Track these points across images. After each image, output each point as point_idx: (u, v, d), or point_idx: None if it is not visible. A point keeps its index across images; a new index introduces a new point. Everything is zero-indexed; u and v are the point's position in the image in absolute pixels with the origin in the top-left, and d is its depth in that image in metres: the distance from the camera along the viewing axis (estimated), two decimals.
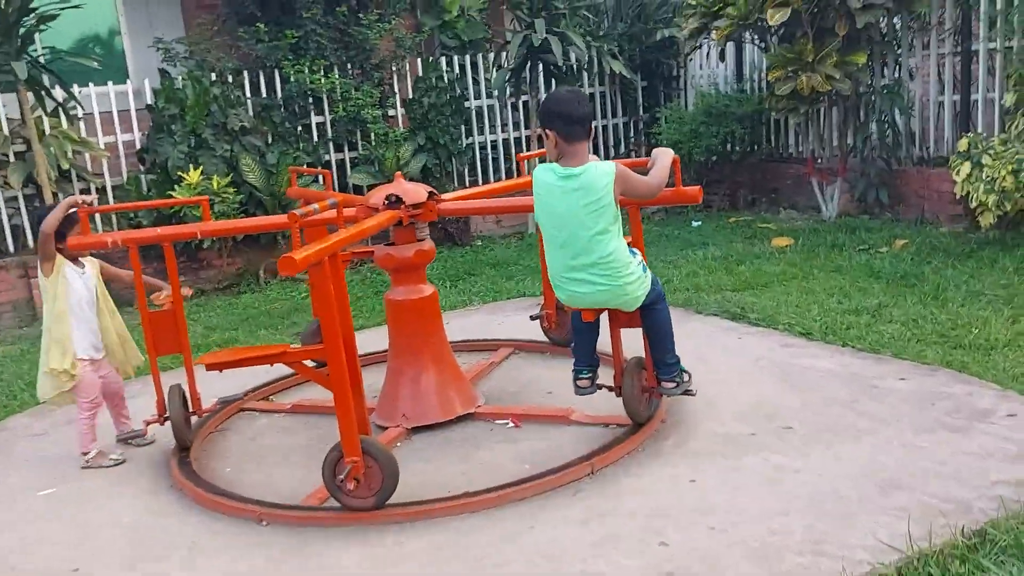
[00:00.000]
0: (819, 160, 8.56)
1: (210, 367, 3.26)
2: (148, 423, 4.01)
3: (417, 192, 3.99)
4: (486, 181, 9.82)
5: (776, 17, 7.18)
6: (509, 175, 10.00)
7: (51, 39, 8.14)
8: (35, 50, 7.54)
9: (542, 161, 4.85)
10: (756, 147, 9.51)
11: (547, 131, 3.41)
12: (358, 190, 8.87)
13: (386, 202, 3.91)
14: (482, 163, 9.83)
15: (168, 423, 3.99)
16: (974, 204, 6.46)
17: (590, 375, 3.80)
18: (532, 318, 5.20)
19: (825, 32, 7.49)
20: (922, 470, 3.22)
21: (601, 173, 3.35)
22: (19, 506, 3.73)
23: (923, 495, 3.04)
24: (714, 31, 8.01)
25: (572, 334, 3.83)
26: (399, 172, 4.22)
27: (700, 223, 8.80)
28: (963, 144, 6.67)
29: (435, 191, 4.11)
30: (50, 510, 3.67)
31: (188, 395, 4.04)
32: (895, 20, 7.97)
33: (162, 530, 3.41)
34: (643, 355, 3.85)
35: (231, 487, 3.71)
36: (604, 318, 3.78)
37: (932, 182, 7.66)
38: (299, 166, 8.00)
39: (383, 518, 3.30)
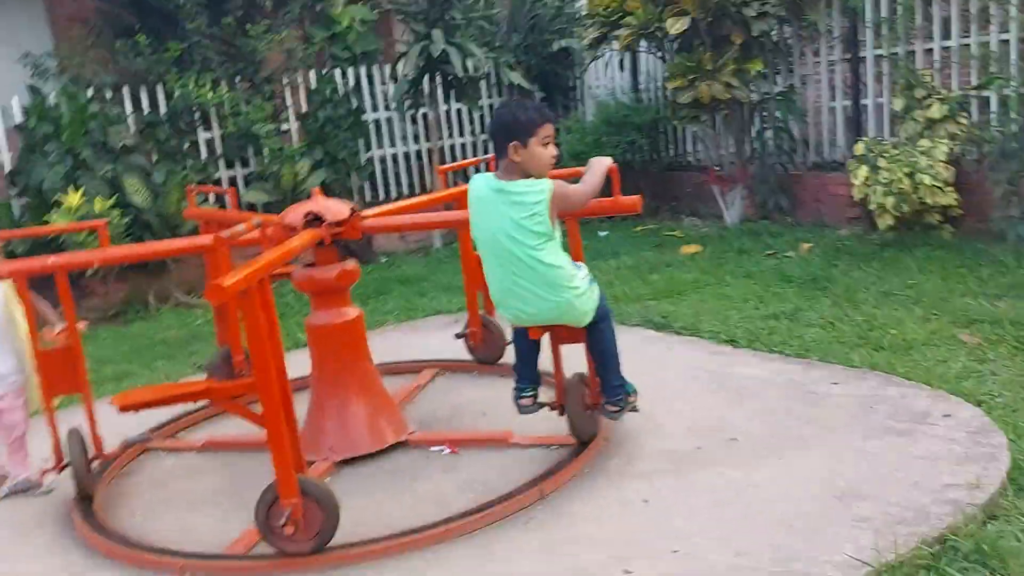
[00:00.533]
0: (719, 167, 8.71)
1: (124, 408, 2.92)
2: (45, 472, 3.59)
3: (338, 209, 3.74)
4: (387, 195, 9.57)
5: (676, 26, 7.25)
6: (411, 189, 9.78)
7: None
8: None
9: (466, 173, 4.75)
10: (656, 156, 9.60)
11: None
12: (253, 208, 8.44)
13: (305, 221, 3.64)
14: (383, 177, 9.55)
15: (66, 470, 3.58)
16: (873, 206, 6.66)
17: (533, 393, 3.65)
18: (457, 336, 5.00)
19: (721, 41, 7.62)
20: (878, 477, 3.19)
21: (535, 191, 3.21)
22: None
23: (883, 503, 3.00)
24: (615, 40, 8.03)
25: (515, 352, 3.66)
26: (317, 188, 3.95)
27: (607, 232, 8.79)
28: (859, 148, 6.88)
29: (356, 207, 3.86)
30: None
31: (88, 438, 3.64)
32: (787, 29, 8.19)
33: None
34: (584, 371, 3.72)
35: (144, 538, 3.35)
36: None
37: (828, 186, 7.88)
38: (190, 184, 7.54)
39: (323, 563, 3.03)
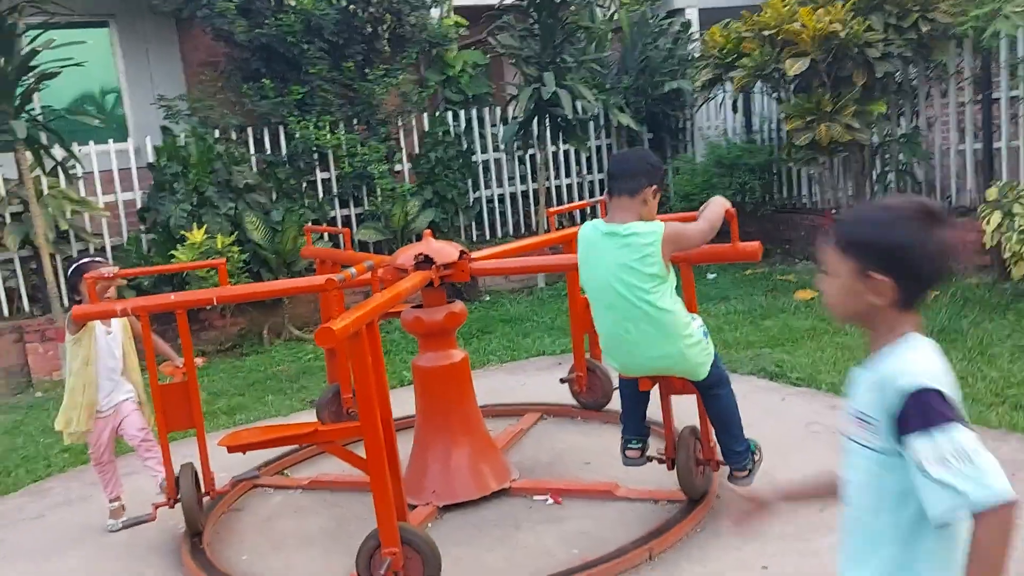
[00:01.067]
0: (835, 210, 8.37)
1: (232, 449, 2.96)
2: (157, 506, 3.67)
3: (448, 251, 3.74)
4: (493, 235, 9.62)
5: (795, 67, 7.05)
6: (516, 229, 9.81)
7: (50, 97, 7.95)
8: (33, 109, 7.34)
9: (573, 217, 4.72)
10: (768, 198, 9.33)
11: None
12: (364, 246, 8.64)
13: (416, 262, 3.65)
14: (489, 217, 9.62)
15: (178, 505, 3.66)
16: (1007, 254, 6.25)
17: (640, 445, 3.53)
18: (562, 381, 4.91)
19: (841, 81, 7.37)
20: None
21: (647, 231, 3.12)
22: None
23: None
24: (730, 81, 7.88)
25: (621, 401, 3.55)
26: (428, 230, 3.97)
27: (716, 275, 8.57)
28: (992, 193, 6.50)
29: (465, 250, 3.85)
30: None
31: (200, 474, 3.72)
32: (911, 69, 7.85)
33: None
34: (696, 424, 3.57)
35: None
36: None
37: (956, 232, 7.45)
38: (305, 223, 7.77)
39: None
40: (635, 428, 3.53)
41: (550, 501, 3.81)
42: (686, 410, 3.56)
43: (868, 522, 1.71)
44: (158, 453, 3.92)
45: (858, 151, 7.86)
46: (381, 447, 2.85)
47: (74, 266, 3.82)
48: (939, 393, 1.55)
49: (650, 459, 3.57)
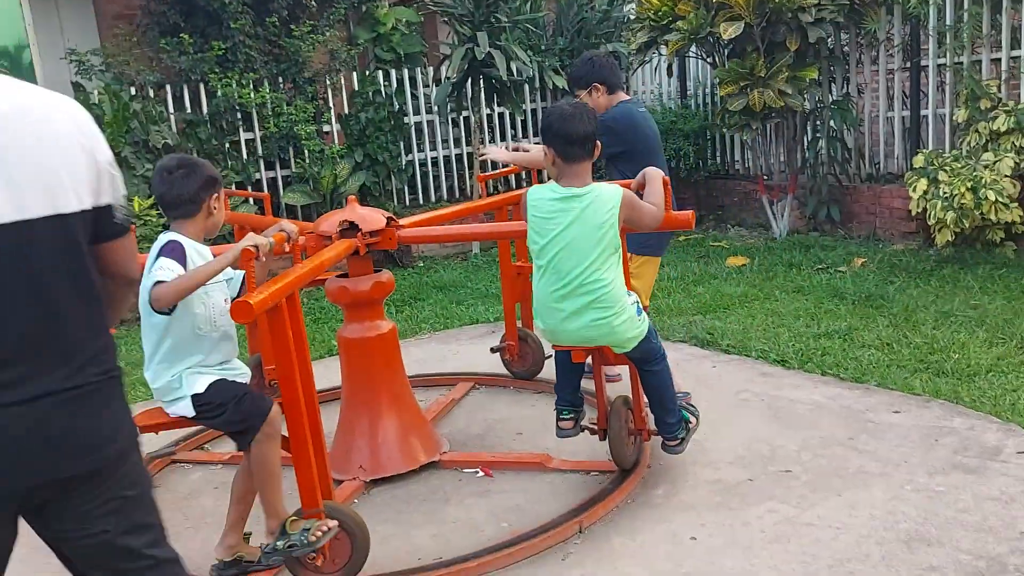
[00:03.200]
0: (768, 177, 8.43)
1: (144, 430, 2.79)
2: None
3: (374, 218, 3.58)
4: (427, 199, 9.44)
5: (729, 31, 7.00)
6: (451, 194, 9.64)
7: None
8: None
9: (507, 182, 4.60)
10: (702, 164, 9.35)
11: (546, 148, 3.09)
12: (292, 211, 8.37)
13: (340, 229, 3.49)
14: (422, 180, 9.43)
15: None
16: (932, 221, 6.36)
17: (573, 416, 3.47)
18: (493, 350, 4.82)
19: (775, 47, 7.36)
20: (946, 520, 2.95)
21: (607, 196, 3.03)
22: None
23: (952, 551, 2.76)
24: (665, 46, 7.80)
25: (556, 371, 3.47)
26: (352, 196, 3.79)
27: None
28: (918, 160, 6.58)
29: (393, 217, 3.70)
30: None
31: None
32: (844, 36, 7.89)
33: None
34: (629, 394, 3.52)
35: None
36: None
37: (883, 199, 7.58)
38: (228, 187, 7.47)
39: None
40: (569, 399, 3.47)
41: (481, 474, 3.73)
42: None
43: None
44: None
45: (790, 117, 7.90)
46: (305, 425, 2.72)
47: None
48: None
49: (583, 429, 3.51)
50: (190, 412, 2.83)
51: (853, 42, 7.86)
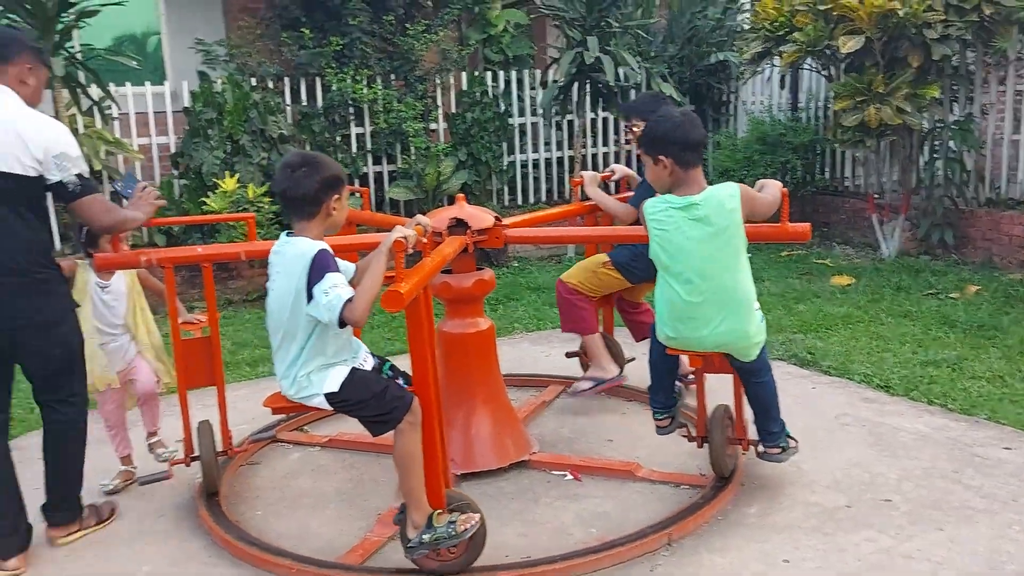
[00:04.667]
0: (879, 195, 8.16)
1: (275, 411, 2.92)
2: (173, 464, 3.64)
3: (482, 217, 3.64)
4: (525, 201, 9.50)
5: (849, 45, 6.81)
6: (549, 196, 9.67)
7: (89, 36, 7.89)
8: (72, 47, 7.29)
9: (604, 187, 4.64)
10: (809, 178, 9.11)
11: (660, 158, 3.13)
12: (395, 205, 8.56)
13: (449, 226, 3.56)
14: (522, 182, 9.49)
15: (195, 463, 3.62)
16: None
17: (669, 414, 3.50)
18: (569, 355, 4.81)
19: (895, 62, 7.12)
20: None
21: (726, 196, 3.08)
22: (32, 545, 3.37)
23: None
24: (779, 56, 7.64)
25: (652, 375, 3.49)
26: (462, 195, 3.87)
27: (749, 255, 8.38)
28: None
29: (499, 216, 3.76)
30: (62, 555, 3.30)
31: (218, 432, 3.67)
32: (970, 53, 7.56)
33: None
34: (729, 404, 3.51)
35: (262, 535, 3.35)
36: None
37: (1003, 225, 7.24)
38: None
39: None
40: (663, 402, 3.51)
41: (569, 477, 3.74)
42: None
43: None
44: (158, 410, 3.89)
45: (907, 135, 7.62)
46: (436, 414, 2.80)
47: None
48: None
49: (681, 426, 3.57)
50: (326, 407, 2.82)
51: (980, 60, 7.53)
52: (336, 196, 2.77)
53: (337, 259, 2.72)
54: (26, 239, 3.06)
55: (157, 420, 3.95)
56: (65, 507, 3.37)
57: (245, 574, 3.09)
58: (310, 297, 2.61)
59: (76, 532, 3.39)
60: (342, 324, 2.58)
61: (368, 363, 2.90)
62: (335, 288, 2.57)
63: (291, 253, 2.70)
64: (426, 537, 2.80)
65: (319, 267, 2.61)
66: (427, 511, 2.84)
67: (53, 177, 3.03)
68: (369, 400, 2.78)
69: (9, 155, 2.98)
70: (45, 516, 3.37)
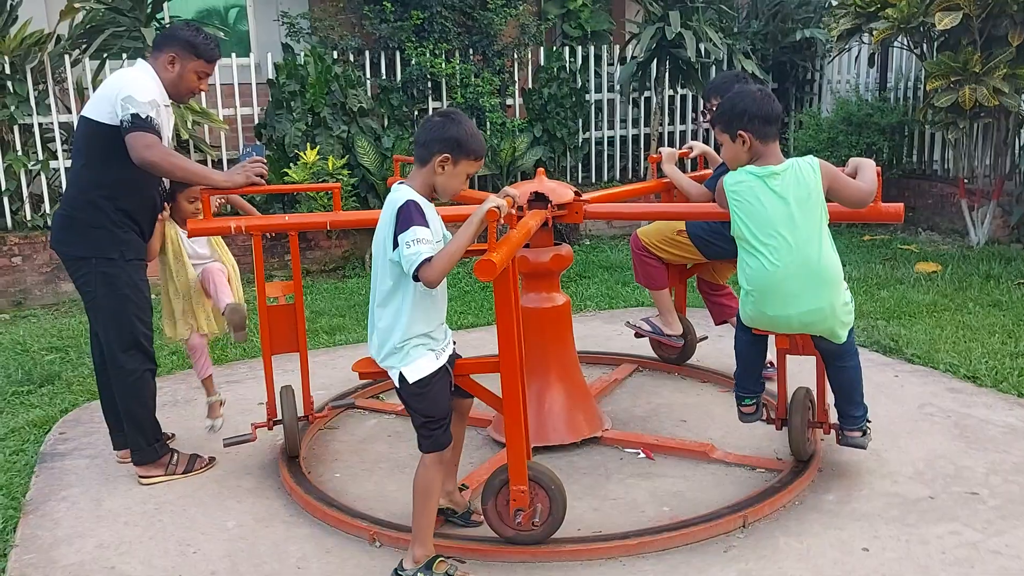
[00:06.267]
0: (969, 180, 7.85)
1: (363, 376, 2.98)
2: (256, 427, 3.75)
3: (562, 192, 3.63)
4: (599, 178, 9.43)
5: (945, 21, 6.54)
6: (623, 174, 9.58)
7: (177, 9, 8.09)
8: (163, 18, 7.48)
9: (681, 164, 4.59)
10: (896, 161, 8.81)
11: (740, 133, 3.09)
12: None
13: (530, 200, 3.55)
14: (596, 159, 9.41)
15: (277, 426, 3.73)
16: None
17: (755, 401, 3.44)
18: (638, 336, 4.75)
19: (994, 41, 6.81)
20: None
21: (807, 166, 3.07)
22: (120, 499, 3.53)
23: None
24: (869, 33, 7.38)
25: (739, 358, 3.44)
26: (542, 169, 3.86)
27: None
28: None
29: (579, 191, 3.74)
30: (152, 508, 3.45)
31: (299, 398, 3.77)
32: None
33: (269, 542, 3.15)
34: (811, 386, 3.45)
35: (340, 496, 3.44)
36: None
37: None
38: (407, 155, 7.75)
39: (507, 555, 2.96)
40: (751, 387, 3.45)
41: (642, 455, 3.73)
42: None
43: None
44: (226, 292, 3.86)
45: (1003, 118, 7.30)
46: (519, 386, 2.83)
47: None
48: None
49: (767, 415, 3.51)
50: (395, 383, 2.82)
51: None
52: (445, 156, 2.71)
53: (435, 221, 2.72)
54: (85, 179, 3.46)
55: (224, 296, 3.82)
56: (135, 447, 3.64)
57: (324, 534, 3.18)
58: (396, 244, 2.64)
59: (157, 476, 3.61)
60: (416, 279, 2.61)
61: (446, 354, 2.85)
62: (418, 243, 2.59)
63: (390, 198, 2.74)
64: (420, 574, 2.79)
65: (405, 217, 2.63)
66: (431, 552, 2.81)
67: (115, 120, 3.34)
68: (420, 414, 2.78)
69: (98, 105, 3.40)
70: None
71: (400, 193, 2.72)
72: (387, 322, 2.76)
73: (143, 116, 3.31)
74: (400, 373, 2.77)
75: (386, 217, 2.72)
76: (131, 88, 3.34)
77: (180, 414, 4.38)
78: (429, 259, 2.58)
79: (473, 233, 2.63)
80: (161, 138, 3.40)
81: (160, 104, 3.43)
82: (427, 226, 2.63)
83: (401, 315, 2.73)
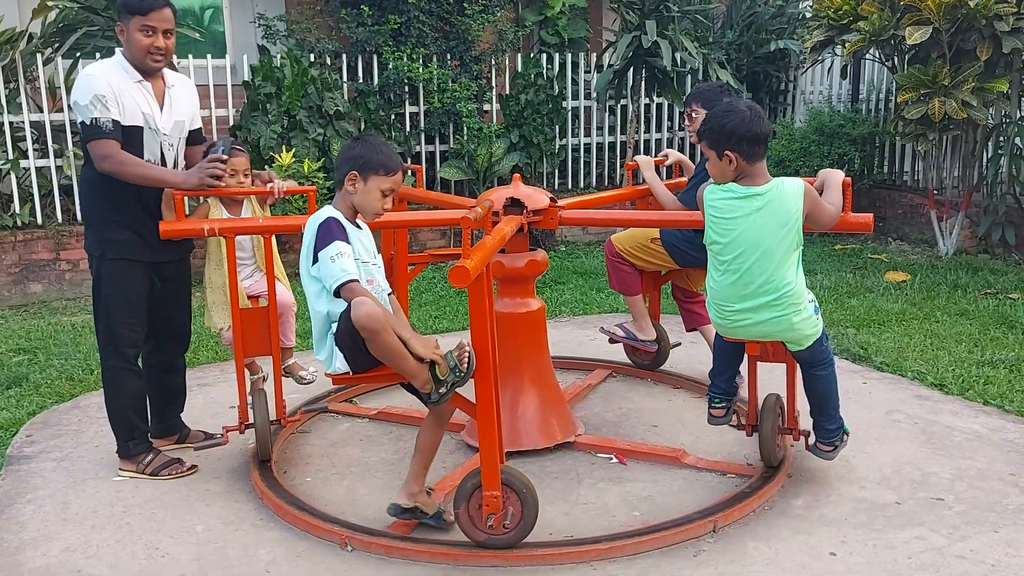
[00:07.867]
0: (938, 191, 7.97)
1: (336, 381, 3.00)
2: (227, 430, 3.72)
3: (538, 198, 3.65)
4: (576, 185, 9.46)
5: (915, 36, 6.65)
6: (600, 181, 9.63)
7: None
8: None
9: (660, 171, 4.63)
10: (867, 172, 8.93)
11: (726, 153, 3.06)
12: (446, 185, 8.59)
13: (505, 206, 3.57)
14: (573, 165, 9.45)
15: (248, 430, 3.71)
16: None
17: (726, 404, 3.48)
18: (612, 341, 4.77)
19: (963, 55, 6.93)
20: None
21: (791, 192, 3.05)
22: (87, 502, 3.49)
23: None
24: (841, 45, 7.49)
25: (715, 361, 3.47)
26: (517, 175, 3.87)
27: (802, 247, 8.26)
28: None
29: (555, 197, 3.76)
30: (119, 510, 3.41)
31: (272, 402, 3.74)
32: None
33: (239, 545, 3.13)
34: (780, 393, 3.49)
35: (311, 500, 3.42)
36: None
37: None
38: None
39: (476, 559, 2.97)
40: (723, 387, 3.48)
41: (614, 460, 3.75)
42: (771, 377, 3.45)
43: None
44: (293, 324, 3.96)
45: (971, 130, 7.43)
46: (493, 392, 2.85)
47: None
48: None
49: (737, 416, 3.55)
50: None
51: None
52: (353, 173, 2.82)
53: (359, 241, 2.86)
54: (85, 178, 3.54)
55: (291, 334, 3.97)
56: (119, 441, 3.69)
57: (294, 538, 3.16)
58: (315, 260, 2.77)
59: (128, 471, 3.66)
60: (337, 295, 2.73)
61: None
62: (341, 256, 2.71)
63: (311, 218, 2.87)
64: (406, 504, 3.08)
65: (324, 233, 2.76)
66: (423, 489, 3.11)
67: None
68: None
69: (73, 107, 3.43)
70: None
71: (322, 212, 2.84)
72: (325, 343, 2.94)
73: (89, 122, 3.31)
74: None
75: (308, 234, 2.82)
76: (75, 92, 3.35)
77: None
78: (354, 281, 2.70)
79: (404, 349, 2.75)
80: (116, 137, 3.32)
81: (109, 93, 3.30)
82: (348, 242, 2.76)
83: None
